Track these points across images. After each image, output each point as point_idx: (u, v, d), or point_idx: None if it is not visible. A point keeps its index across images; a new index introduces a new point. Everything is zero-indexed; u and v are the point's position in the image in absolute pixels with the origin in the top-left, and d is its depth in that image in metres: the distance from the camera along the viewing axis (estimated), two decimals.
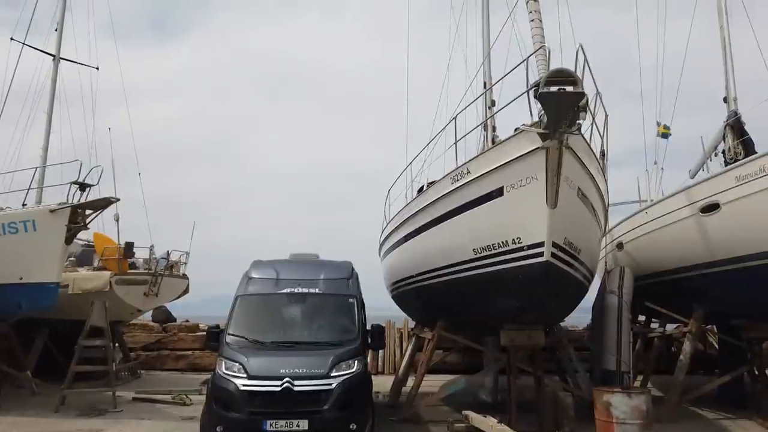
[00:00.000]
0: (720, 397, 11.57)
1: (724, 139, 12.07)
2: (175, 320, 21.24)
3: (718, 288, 9.83)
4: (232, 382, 7.60)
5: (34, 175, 13.10)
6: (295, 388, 7.44)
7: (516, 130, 7.43)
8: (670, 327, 14.71)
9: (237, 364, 7.78)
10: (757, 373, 11.51)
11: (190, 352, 18.90)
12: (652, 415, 6.74)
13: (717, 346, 15.66)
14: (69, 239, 11.18)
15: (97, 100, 20.29)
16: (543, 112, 6.62)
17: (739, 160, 10.73)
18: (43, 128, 17.59)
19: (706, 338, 16.77)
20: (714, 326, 13.61)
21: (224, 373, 7.78)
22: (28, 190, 12.38)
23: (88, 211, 11.22)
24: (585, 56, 6.94)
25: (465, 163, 8.42)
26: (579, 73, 6.60)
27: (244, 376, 7.61)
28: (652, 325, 14.80)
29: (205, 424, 7.89)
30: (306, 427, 7.35)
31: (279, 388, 7.41)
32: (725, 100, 12.16)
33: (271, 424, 7.31)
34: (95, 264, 14.97)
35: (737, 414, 10.50)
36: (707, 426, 9.84)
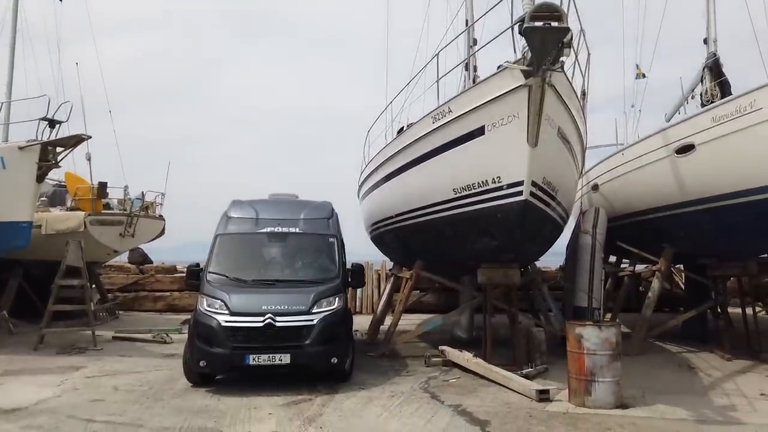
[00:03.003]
0: (684, 333, 12.12)
1: (702, 81, 12.16)
2: (151, 262, 21.21)
3: (690, 228, 10.11)
4: (215, 318, 7.68)
5: (2, 111, 12.55)
6: (277, 324, 7.57)
7: (499, 67, 7.33)
8: (639, 267, 15.22)
9: (219, 301, 7.85)
10: (720, 310, 12.05)
11: (168, 293, 19.01)
12: (621, 347, 7.03)
13: (683, 287, 16.29)
14: (40, 177, 10.87)
15: (61, 36, 19.36)
16: (527, 48, 6.53)
17: (715, 101, 10.84)
18: (4, 63, 16.82)
19: (672, 278, 17.41)
20: (682, 266, 14.07)
21: (206, 309, 7.85)
22: None
23: (58, 149, 10.90)
24: None
25: (446, 102, 8.33)
26: (564, 7, 6.48)
27: (227, 312, 7.70)
28: (622, 266, 15.29)
29: (188, 359, 8.00)
30: (288, 361, 7.55)
31: (261, 324, 7.54)
32: (705, 41, 12.17)
33: (253, 359, 7.49)
34: (68, 204, 14.71)
35: (699, 348, 11.03)
36: (671, 358, 10.32)
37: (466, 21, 12.49)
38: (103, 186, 14.16)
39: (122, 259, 19.71)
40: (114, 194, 15.53)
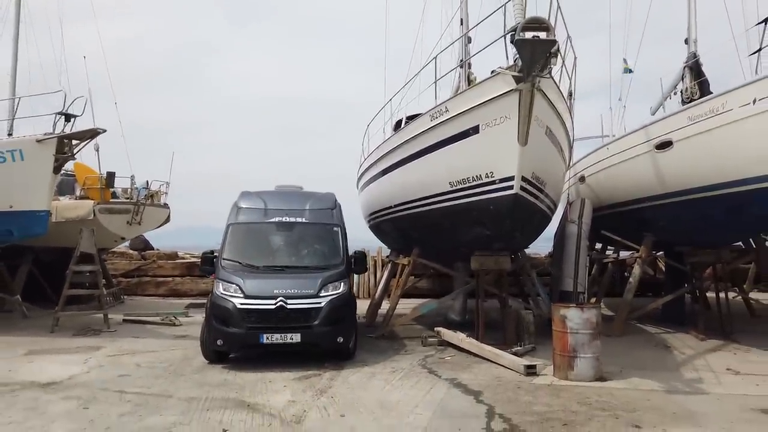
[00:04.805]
0: (665, 316, 12.92)
1: (682, 79, 12.86)
2: (152, 248, 21.79)
3: (668, 218, 10.88)
4: (231, 301, 8.38)
5: (18, 105, 13.01)
6: (288, 306, 8.29)
7: (492, 72, 7.99)
8: (623, 254, 16.01)
9: (234, 285, 8.55)
10: (698, 294, 12.87)
11: (170, 279, 19.62)
12: (600, 326, 7.78)
13: None
14: (57, 169, 11.43)
15: (60, 20, 19.45)
16: (518, 56, 7.20)
17: (695, 100, 11.56)
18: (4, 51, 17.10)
19: (657, 264, 18.24)
20: (663, 253, 14.86)
21: (222, 293, 8.54)
22: (12, 119, 12.39)
23: (74, 142, 11.45)
24: (558, 2, 7.45)
25: (443, 102, 8.99)
26: (552, 19, 7.14)
27: (241, 295, 8.40)
28: (607, 253, 16.08)
29: (205, 338, 8.69)
30: (298, 340, 8.28)
31: (274, 306, 8.25)
32: (686, 41, 12.85)
33: (267, 338, 8.23)
34: (77, 193, 15.25)
35: (676, 329, 11.83)
36: (650, 339, 11.10)
37: (461, 20, 13.10)
38: (111, 176, 14.72)
39: (125, 244, 20.22)
40: (119, 183, 16.06)
